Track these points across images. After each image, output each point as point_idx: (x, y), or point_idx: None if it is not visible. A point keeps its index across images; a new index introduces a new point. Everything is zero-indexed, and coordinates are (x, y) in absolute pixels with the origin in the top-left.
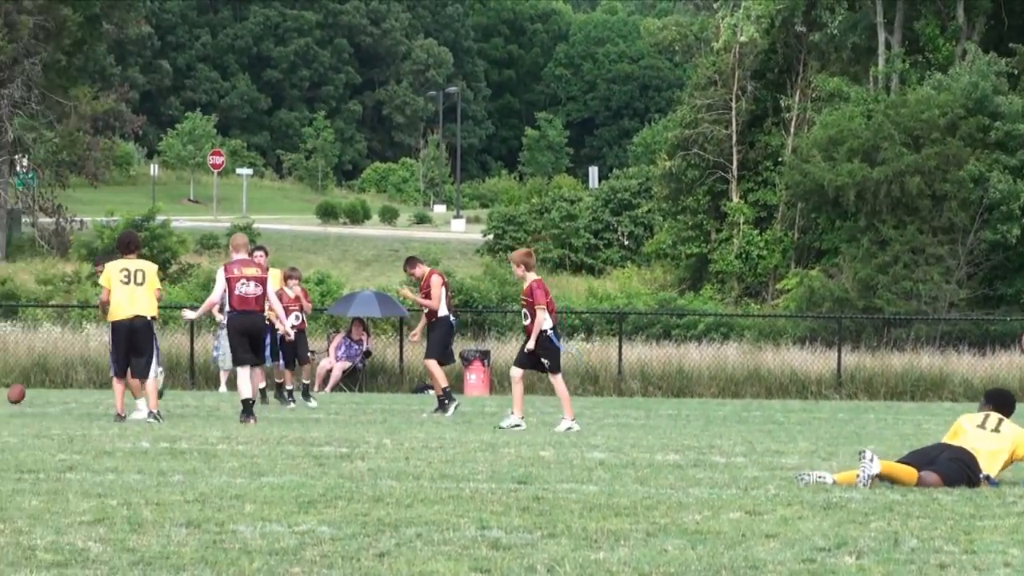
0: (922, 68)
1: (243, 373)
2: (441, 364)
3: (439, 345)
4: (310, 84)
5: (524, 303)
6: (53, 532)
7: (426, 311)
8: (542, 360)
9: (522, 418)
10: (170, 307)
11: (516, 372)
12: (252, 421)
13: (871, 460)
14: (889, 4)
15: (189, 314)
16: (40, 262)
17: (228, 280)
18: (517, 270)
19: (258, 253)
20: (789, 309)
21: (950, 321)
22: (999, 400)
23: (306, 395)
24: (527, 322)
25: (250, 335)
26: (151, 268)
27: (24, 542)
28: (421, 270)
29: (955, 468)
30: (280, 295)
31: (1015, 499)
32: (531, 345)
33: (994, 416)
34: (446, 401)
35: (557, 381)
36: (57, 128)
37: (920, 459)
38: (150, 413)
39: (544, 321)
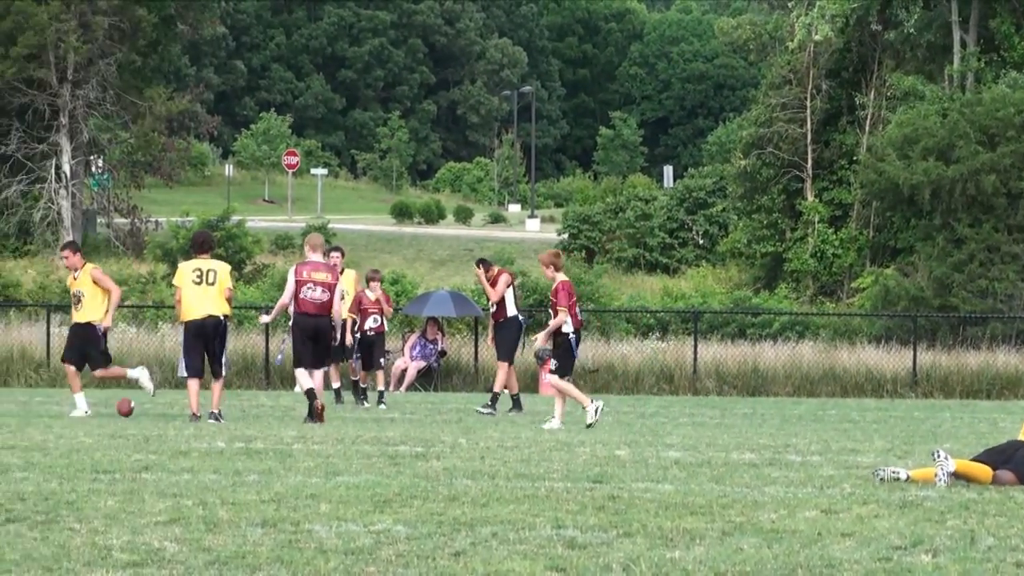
0: (997, 66)
1: (302, 373)
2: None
3: (508, 345)
4: (384, 84)
5: (551, 304)
6: (129, 532)
7: (493, 310)
8: (552, 360)
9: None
10: (244, 307)
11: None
12: (317, 419)
13: (945, 458)
14: (964, 2)
15: (265, 318)
16: (115, 263)
17: (297, 283)
18: (547, 271)
19: (335, 254)
20: (864, 308)
21: None
22: None
23: (380, 400)
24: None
25: (314, 338)
26: (223, 268)
27: (100, 542)
28: (492, 272)
29: None
30: (360, 298)
31: None
32: (540, 342)
33: None
34: (491, 404)
35: (559, 383)
36: (132, 129)
37: (995, 457)
38: (211, 414)
39: (565, 323)
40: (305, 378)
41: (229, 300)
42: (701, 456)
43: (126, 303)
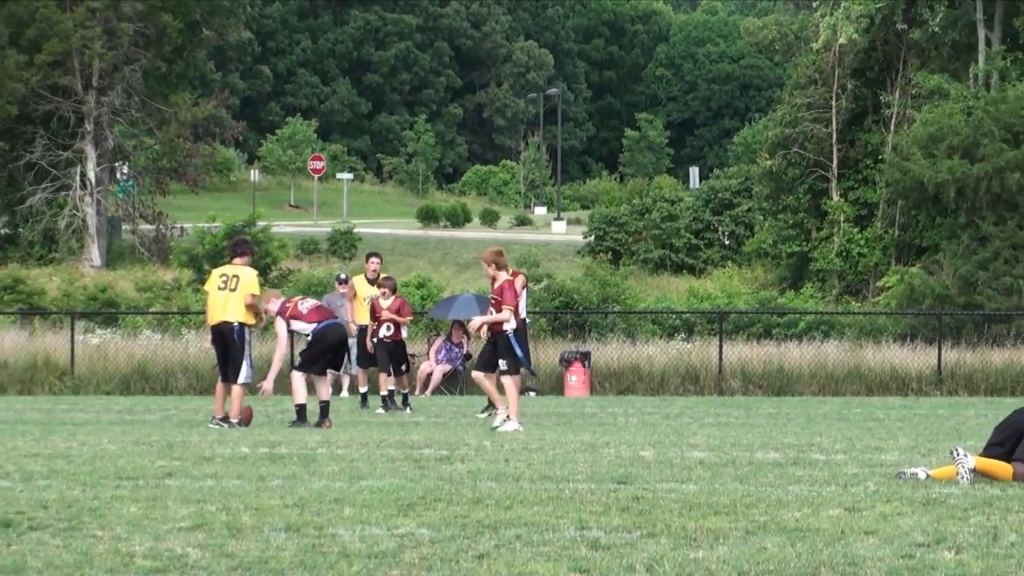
0: (1022, 64)
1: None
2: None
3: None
4: (410, 88)
5: (493, 302)
6: (152, 538)
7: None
8: (499, 361)
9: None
10: None
11: (478, 375)
12: (325, 424)
13: (965, 455)
14: (989, 1)
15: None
16: (140, 269)
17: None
18: (488, 269)
19: (373, 259)
20: (889, 306)
21: None
22: None
23: (405, 403)
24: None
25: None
26: (247, 274)
27: (123, 548)
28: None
29: None
30: (374, 305)
31: None
32: (474, 323)
33: None
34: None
35: (507, 382)
36: (157, 135)
37: (1003, 434)
38: (214, 419)
39: (507, 321)
40: (313, 389)
41: (251, 307)
42: (726, 456)
43: (151, 309)
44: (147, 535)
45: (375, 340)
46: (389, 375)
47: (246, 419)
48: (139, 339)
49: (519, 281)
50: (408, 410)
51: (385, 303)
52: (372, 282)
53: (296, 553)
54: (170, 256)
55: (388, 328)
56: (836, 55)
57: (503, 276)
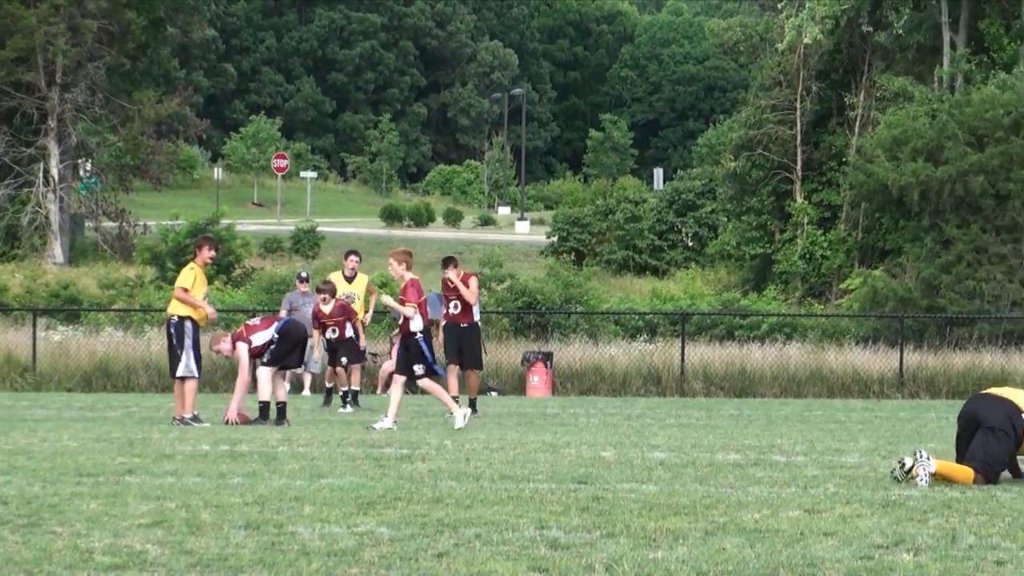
0: (987, 67)
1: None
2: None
3: (478, 350)
4: (375, 87)
5: (400, 302)
6: (111, 535)
7: (456, 312)
8: (414, 366)
9: (394, 422)
10: (232, 310)
11: (399, 378)
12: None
13: (927, 459)
14: (954, 3)
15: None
16: (103, 266)
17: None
18: (397, 268)
19: (352, 257)
20: (852, 309)
21: (1013, 320)
22: None
23: (351, 399)
24: (402, 322)
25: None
26: (183, 269)
27: (82, 545)
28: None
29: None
30: (316, 312)
31: None
32: (385, 299)
33: None
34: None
35: (425, 383)
36: (121, 132)
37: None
38: (175, 418)
39: (414, 321)
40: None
41: (181, 300)
42: (686, 457)
43: (113, 307)
44: (107, 531)
45: (324, 346)
46: (342, 369)
47: (242, 421)
48: (101, 336)
49: (475, 281)
50: (348, 408)
51: (327, 308)
52: (350, 280)
53: (255, 551)
54: (133, 253)
55: (333, 331)
56: (801, 57)
57: (409, 276)
